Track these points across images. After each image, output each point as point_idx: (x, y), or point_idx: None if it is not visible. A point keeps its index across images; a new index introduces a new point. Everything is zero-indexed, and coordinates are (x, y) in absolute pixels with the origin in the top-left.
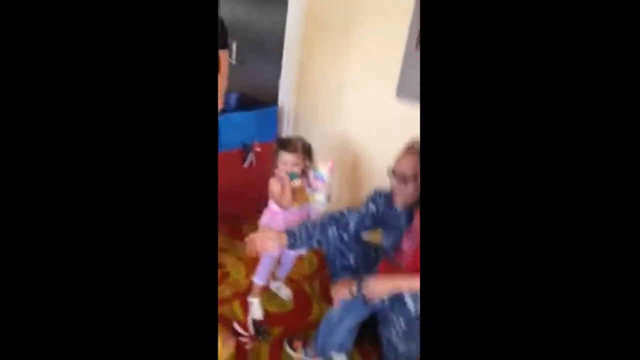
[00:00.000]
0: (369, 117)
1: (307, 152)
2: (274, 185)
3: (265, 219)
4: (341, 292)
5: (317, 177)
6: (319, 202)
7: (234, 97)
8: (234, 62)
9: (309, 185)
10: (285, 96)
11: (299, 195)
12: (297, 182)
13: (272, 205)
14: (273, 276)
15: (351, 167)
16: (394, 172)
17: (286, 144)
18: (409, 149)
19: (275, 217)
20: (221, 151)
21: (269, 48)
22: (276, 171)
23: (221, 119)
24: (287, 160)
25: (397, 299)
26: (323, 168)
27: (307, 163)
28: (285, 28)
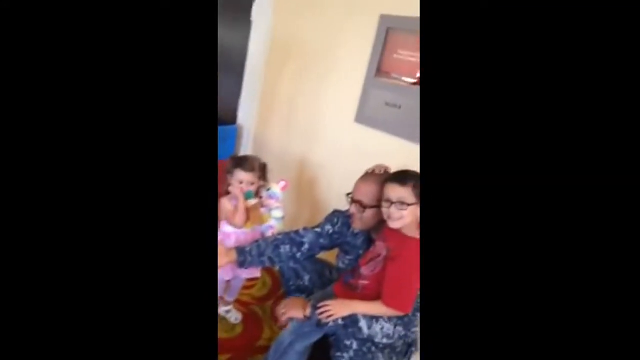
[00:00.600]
0: (328, 140)
1: (262, 171)
2: (226, 205)
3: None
4: (293, 311)
5: (271, 196)
6: (277, 218)
7: None
8: None
9: (262, 205)
10: (245, 115)
11: (253, 215)
12: (252, 202)
13: (224, 227)
14: (222, 300)
15: (309, 188)
16: (352, 199)
17: (243, 163)
18: (368, 175)
19: (227, 238)
20: None
21: (230, 67)
22: (230, 189)
23: None
24: (243, 179)
25: (350, 322)
26: (276, 188)
27: (262, 182)
28: (248, 48)
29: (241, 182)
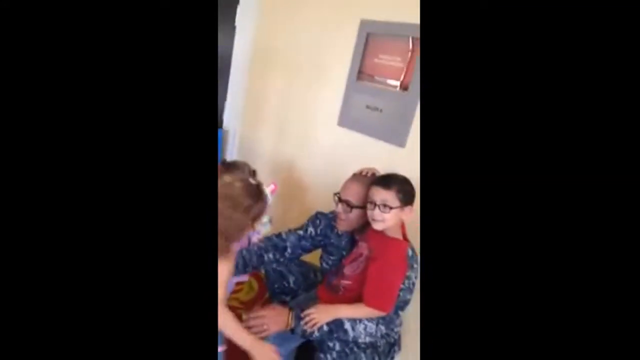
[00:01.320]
0: (312, 143)
1: (252, 175)
2: None
3: None
4: (275, 326)
5: None
6: (264, 223)
7: None
8: None
9: None
10: (231, 119)
11: None
12: None
13: None
14: None
15: (296, 189)
16: (339, 199)
17: (232, 169)
18: (356, 177)
19: None
20: None
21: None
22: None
23: None
24: None
25: (335, 327)
26: (266, 191)
27: None
28: (233, 53)
29: None
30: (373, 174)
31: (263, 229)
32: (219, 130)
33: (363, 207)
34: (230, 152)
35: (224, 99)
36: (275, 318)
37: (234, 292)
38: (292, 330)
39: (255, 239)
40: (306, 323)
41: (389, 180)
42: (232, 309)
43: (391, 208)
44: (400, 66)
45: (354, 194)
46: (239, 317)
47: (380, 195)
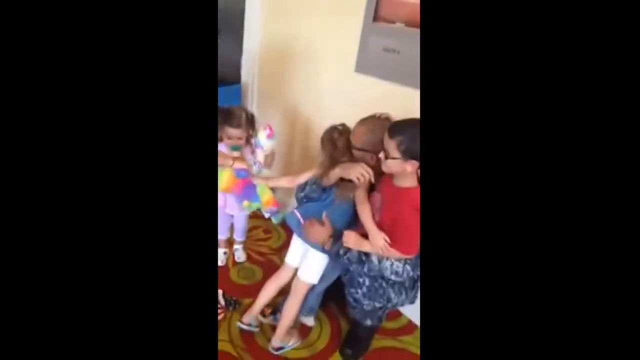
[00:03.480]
0: (330, 91)
1: (250, 122)
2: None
3: None
4: (316, 235)
5: (256, 145)
6: (267, 140)
7: None
8: None
9: (252, 153)
10: (248, 73)
11: (238, 164)
12: (236, 153)
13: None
14: (232, 241)
15: (314, 139)
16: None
17: (229, 119)
18: (362, 121)
19: None
20: None
21: (230, 27)
22: (221, 143)
23: None
24: (231, 134)
25: (364, 260)
26: (261, 135)
27: (251, 132)
28: (245, 4)
29: (230, 138)
30: (387, 118)
31: (268, 143)
32: (238, 85)
33: (367, 151)
34: (250, 106)
35: (240, 53)
36: (318, 231)
37: (263, 239)
38: (328, 250)
39: (260, 153)
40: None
41: (397, 130)
42: (262, 254)
43: (388, 157)
44: (416, 3)
45: (356, 138)
46: (271, 262)
47: (385, 141)
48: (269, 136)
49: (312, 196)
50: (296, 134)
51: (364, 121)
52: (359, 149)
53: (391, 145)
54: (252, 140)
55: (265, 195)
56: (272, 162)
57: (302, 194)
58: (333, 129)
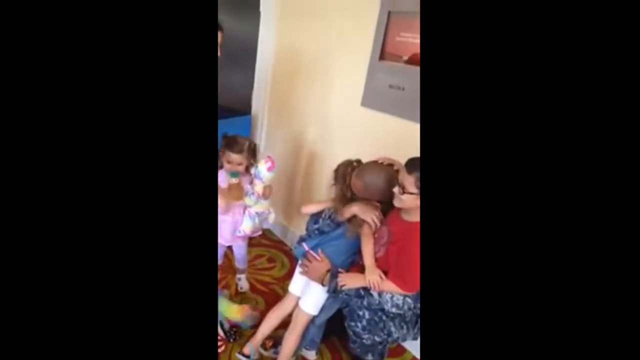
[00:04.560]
0: (336, 125)
1: (252, 151)
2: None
3: None
4: (313, 275)
5: (255, 175)
6: (248, 203)
7: None
8: None
9: (250, 183)
10: (259, 105)
11: (234, 193)
12: (234, 180)
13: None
14: (236, 270)
15: (319, 171)
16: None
17: (232, 145)
18: (361, 170)
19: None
20: None
21: (242, 58)
22: (221, 170)
23: None
24: (232, 160)
25: (363, 295)
26: (262, 167)
27: (252, 161)
28: (258, 39)
29: (231, 162)
30: (390, 164)
31: (268, 175)
32: (248, 116)
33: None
34: (259, 136)
35: (251, 86)
36: (316, 268)
37: (267, 268)
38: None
39: (258, 184)
40: (338, 282)
41: (415, 165)
42: (265, 284)
43: (405, 192)
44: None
45: (358, 190)
46: (273, 292)
47: (402, 176)
48: (270, 168)
49: (325, 230)
50: (301, 164)
51: (363, 172)
52: (362, 199)
53: (408, 181)
54: (252, 170)
55: (231, 312)
56: (270, 193)
57: (316, 227)
58: (348, 164)
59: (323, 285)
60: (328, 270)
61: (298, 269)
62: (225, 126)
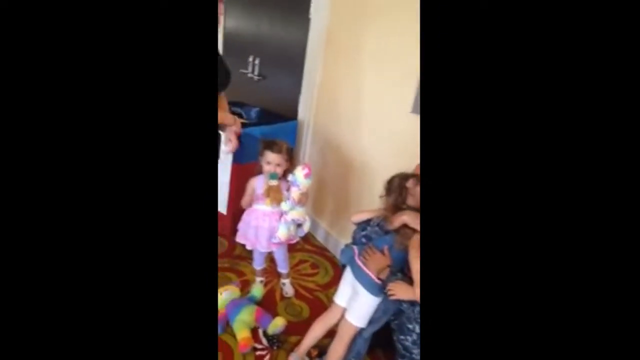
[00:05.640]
0: (385, 132)
1: (289, 153)
2: (251, 183)
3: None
4: (373, 265)
5: (292, 182)
6: (284, 209)
7: (254, 112)
8: (255, 77)
9: (287, 189)
10: (305, 110)
11: (273, 195)
12: (273, 182)
13: (257, 205)
14: (280, 275)
15: (368, 178)
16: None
17: (271, 145)
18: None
19: (251, 213)
20: (242, 163)
21: (290, 63)
22: (259, 176)
23: (241, 133)
24: (270, 160)
25: (413, 308)
26: (299, 173)
27: (289, 166)
28: (307, 44)
29: (269, 163)
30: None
31: (305, 181)
32: (294, 121)
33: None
34: (305, 142)
35: (299, 91)
36: (377, 259)
37: (310, 275)
38: (381, 280)
39: (295, 191)
40: (388, 291)
41: None
42: (309, 290)
43: None
44: None
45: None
46: (317, 299)
47: None
48: (307, 175)
49: (372, 237)
50: (348, 171)
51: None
52: (413, 209)
53: None
54: (289, 177)
55: (241, 333)
56: (306, 200)
57: (363, 233)
58: (405, 176)
59: (378, 279)
60: (388, 265)
61: (344, 279)
62: (272, 131)
